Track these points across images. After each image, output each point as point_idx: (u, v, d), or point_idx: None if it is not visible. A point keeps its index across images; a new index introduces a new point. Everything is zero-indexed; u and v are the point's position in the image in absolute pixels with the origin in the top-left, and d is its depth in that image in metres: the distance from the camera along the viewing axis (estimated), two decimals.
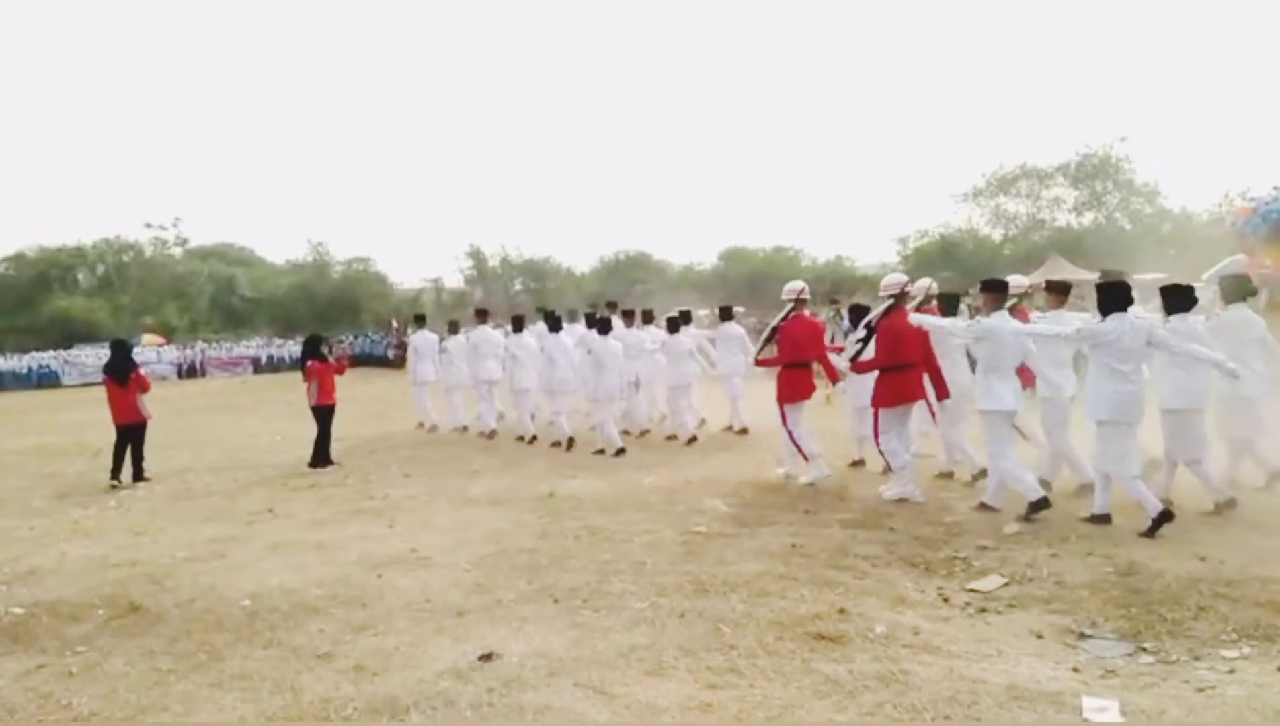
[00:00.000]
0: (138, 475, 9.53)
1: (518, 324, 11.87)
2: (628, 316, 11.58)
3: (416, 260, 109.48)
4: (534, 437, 11.00)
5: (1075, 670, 3.58)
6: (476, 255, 47.66)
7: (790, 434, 7.78)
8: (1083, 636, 3.98)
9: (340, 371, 10.45)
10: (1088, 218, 38.06)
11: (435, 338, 13.53)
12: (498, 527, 6.49)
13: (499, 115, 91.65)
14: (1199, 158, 55.65)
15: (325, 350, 10.36)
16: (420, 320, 14.67)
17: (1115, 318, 5.80)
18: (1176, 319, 6.36)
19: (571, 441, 10.29)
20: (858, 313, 8.21)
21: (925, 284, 8.01)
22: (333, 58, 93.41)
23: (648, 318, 11.92)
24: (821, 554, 5.42)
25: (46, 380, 36.15)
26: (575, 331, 11.60)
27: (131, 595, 5.14)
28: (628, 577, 5.05)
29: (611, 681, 3.60)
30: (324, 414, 10.05)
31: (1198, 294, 6.78)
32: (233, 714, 3.46)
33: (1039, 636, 3.99)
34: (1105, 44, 70.31)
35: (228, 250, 53.85)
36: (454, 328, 13.43)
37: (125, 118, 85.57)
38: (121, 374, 9.58)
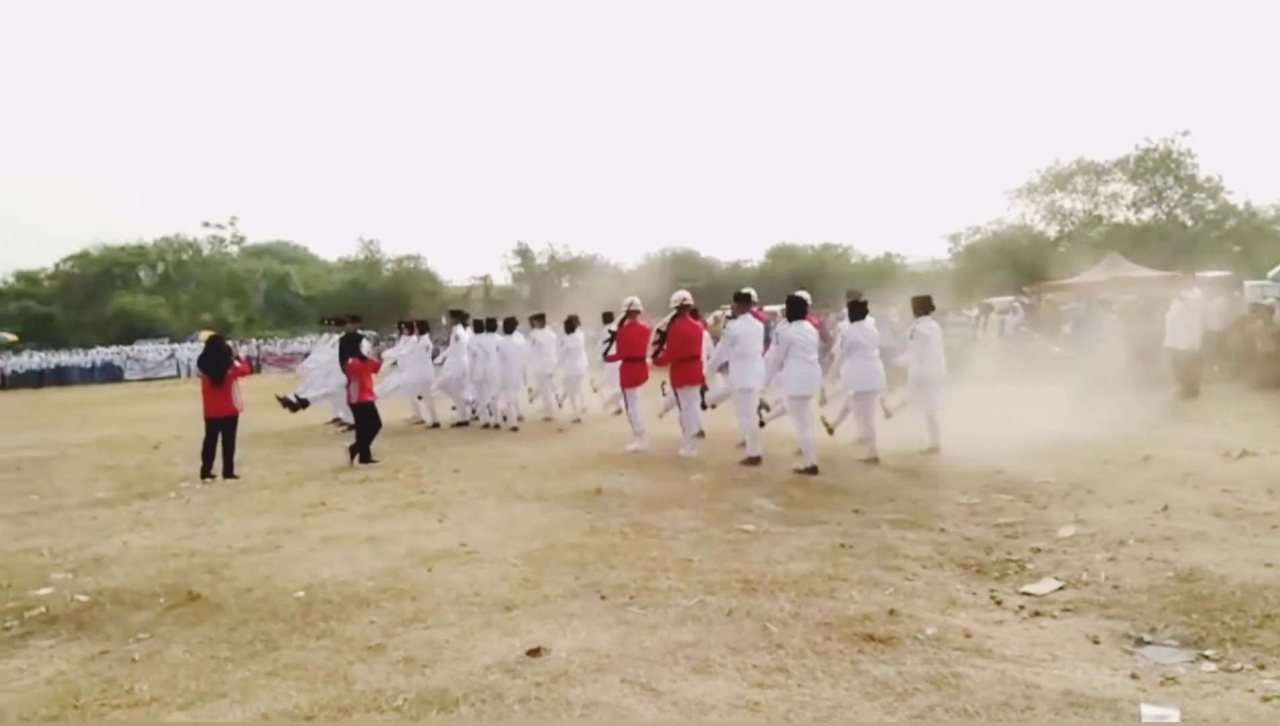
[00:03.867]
0: (228, 471, 9.47)
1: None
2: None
3: (465, 258, 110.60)
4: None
5: (1134, 677, 3.49)
6: (524, 253, 48.01)
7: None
8: (1141, 642, 3.88)
9: (376, 368, 10.60)
10: (1147, 214, 37.15)
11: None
12: (545, 523, 6.53)
13: (548, 113, 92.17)
14: (1265, 152, 53.97)
15: (364, 347, 10.48)
16: (457, 316, 14.70)
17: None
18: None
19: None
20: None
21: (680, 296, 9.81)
22: (386, 59, 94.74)
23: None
24: (870, 554, 5.36)
25: (110, 375, 37.26)
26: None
27: (190, 584, 5.27)
28: (674, 575, 5.05)
29: (658, 678, 3.60)
30: (365, 411, 10.13)
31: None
32: (288, 702, 3.53)
33: (1095, 642, 3.90)
34: (1166, 35, 68.47)
35: (282, 248, 54.97)
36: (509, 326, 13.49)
37: (185, 119, 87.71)
38: (217, 370, 9.57)
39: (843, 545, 5.56)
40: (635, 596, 4.70)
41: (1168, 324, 13.58)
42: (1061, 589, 4.64)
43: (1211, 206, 36.13)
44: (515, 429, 12.41)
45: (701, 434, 9.65)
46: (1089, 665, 3.62)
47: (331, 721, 3.35)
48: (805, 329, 8.54)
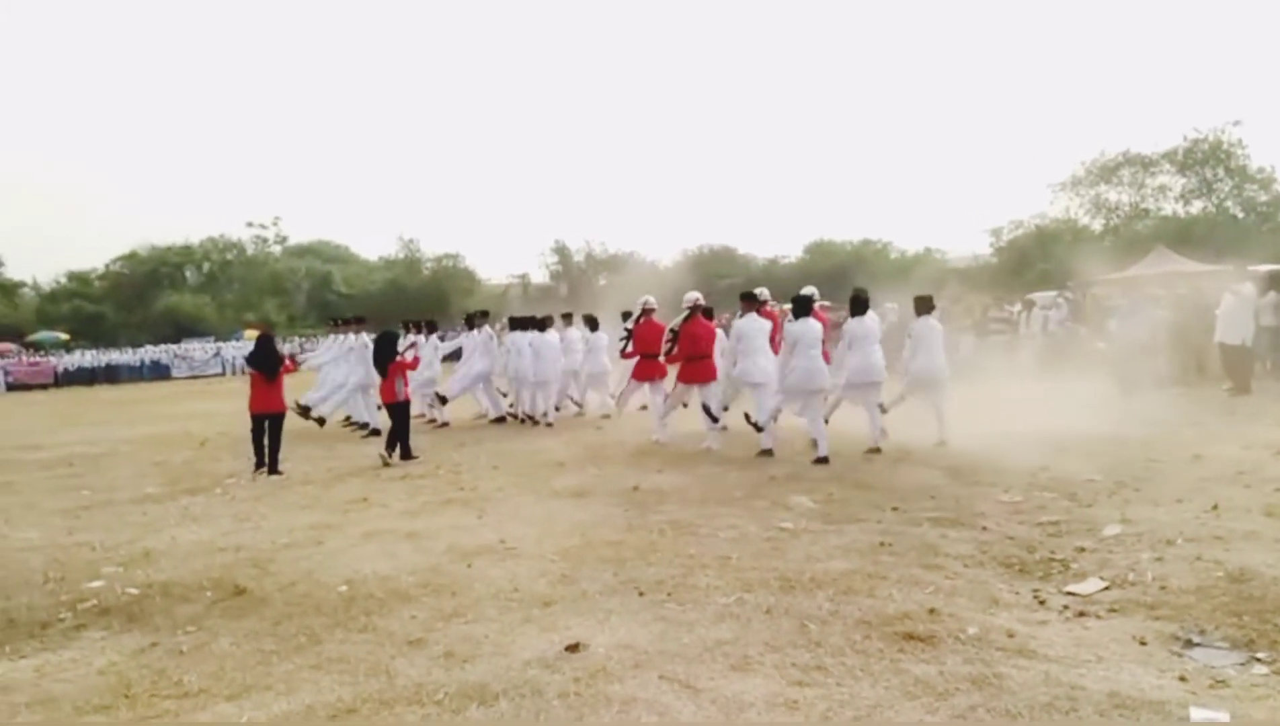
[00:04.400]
0: (273, 468, 9.59)
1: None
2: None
3: (504, 256, 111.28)
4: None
5: (1182, 679, 3.42)
6: (562, 251, 48.19)
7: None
8: (1190, 644, 3.79)
9: (414, 367, 10.71)
10: (1196, 206, 36.29)
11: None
12: (583, 520, 6.55)
13: (587, 111, 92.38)
14: None
15: (402, 347, 10.59)
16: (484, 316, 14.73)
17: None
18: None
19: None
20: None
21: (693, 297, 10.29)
22: (427, 60, 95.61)
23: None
24: (910, 552, 5.31)
25: (157, 372, 38.03)
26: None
27: (236, 578, 5.37)
28: (713, 572, 5.04)
29: (697, 675, 3.60)
30: (402, 410, 10.17)
31: None
32: (331, 695, 3.58)
33: (1142, 643, 3.82)
34: (1218, 22, 66.84)
35: (324, 247, 55.73)
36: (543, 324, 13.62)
37: (230, 122, 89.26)
38: (270, 366, 9.70)
39: (882, 543, 5.51)
40: (673, 593, 4.70)
41: (1218, 319, 13.27)
42: (1107, 589, 4.55)
43: (1264, 198, 35.19)
44: (550, 424, 12.60)
45: (724, 428, 10.13)
46: (1136, 666, 3.55)
47: (374, 714, 3.39)
48: (810, 325, 8.78)
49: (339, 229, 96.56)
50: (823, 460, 8.45)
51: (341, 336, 13.89)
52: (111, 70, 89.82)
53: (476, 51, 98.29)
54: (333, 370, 13.70)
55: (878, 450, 8.89)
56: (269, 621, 4.58)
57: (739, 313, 10.14)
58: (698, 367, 9.92)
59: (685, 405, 10.96)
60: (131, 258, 50.81)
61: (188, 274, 52.42)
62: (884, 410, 9.44)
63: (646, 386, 11.13)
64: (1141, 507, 6.20)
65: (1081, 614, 4.22)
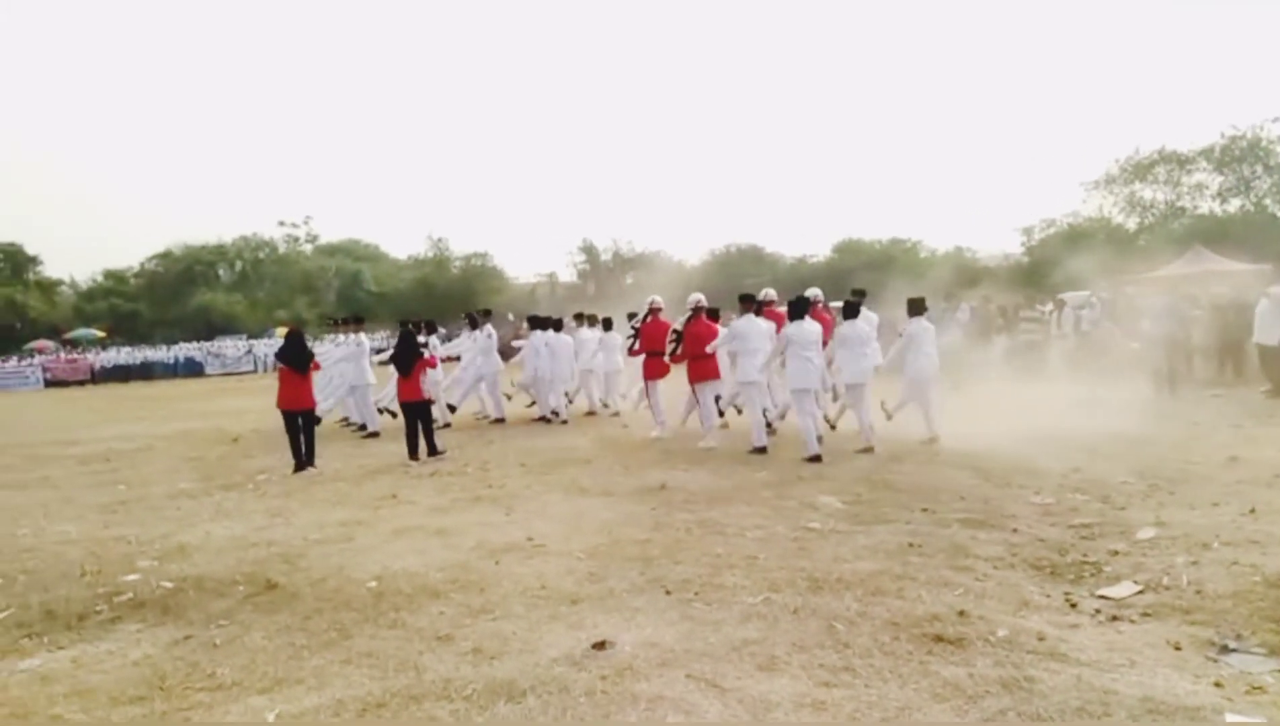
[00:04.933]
0: (309, 460, 9.68)
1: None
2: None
3: (532, 255, 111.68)
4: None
5: (1217, 685, 3.37)
6: (589, 249, 48.28)
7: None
8: (1226, 650, 3.73)
9: (434, 364, 10.75)
10: (1234, 205, 35.63)
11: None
12: (610, 518, 6.56)
13: (614, 110, 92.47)
14: None
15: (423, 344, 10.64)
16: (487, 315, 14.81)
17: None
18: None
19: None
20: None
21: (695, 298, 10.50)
22: (455, 61, 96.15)
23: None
24: (940, 554, 5.26)
25: (191, 369, 38.58)
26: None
27: (268, 573, 5.44)
28: (740, 572, 5.03)
29: (724, 674, 3.60)
30: (422, 408, 10.19)
31: None
32: (361, 689, 3.62)
33: (1177, 648, 3.76)
34: (1254, 18, 65.61)
35: (354, 246, 56.21)
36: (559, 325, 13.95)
37: (262, 120, 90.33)
38: (301, 362, 9.80)
39: (911, 544, 5.47)
40: (700, 592, 4.70)
41: (1256, 319, 13.04)
42: (1141, 592, 4.49)
43: None
44: (565, 422, 12.91)
45: (725, 426, 10.76)
46: (1170, 671, 3.50)
47: (402, 709, 3.42)
48: (805, 327, 9.06)
49: (369, 228, 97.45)
50: (815, 458, 8.63)
51: (340, 336, 13.94)
52: (148, 74, 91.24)
53: (506, 52, 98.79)
54: (331, 370, 13.72)
55: (870, 449, 9.01)
56: (300, 616, 4.63)
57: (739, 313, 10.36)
58: (702, 366, 10.22)
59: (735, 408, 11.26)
60: (166, 256, 51.62)
61: (221, 272, 53.15)
62: (888, 416, 9.76)
63: (658, 384, 11.29)
64: (1176, 510, 6.11)
65: (1114, 617, 4.16)
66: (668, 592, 4.72)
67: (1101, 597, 4.45)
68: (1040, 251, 37.38)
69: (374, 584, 5.10)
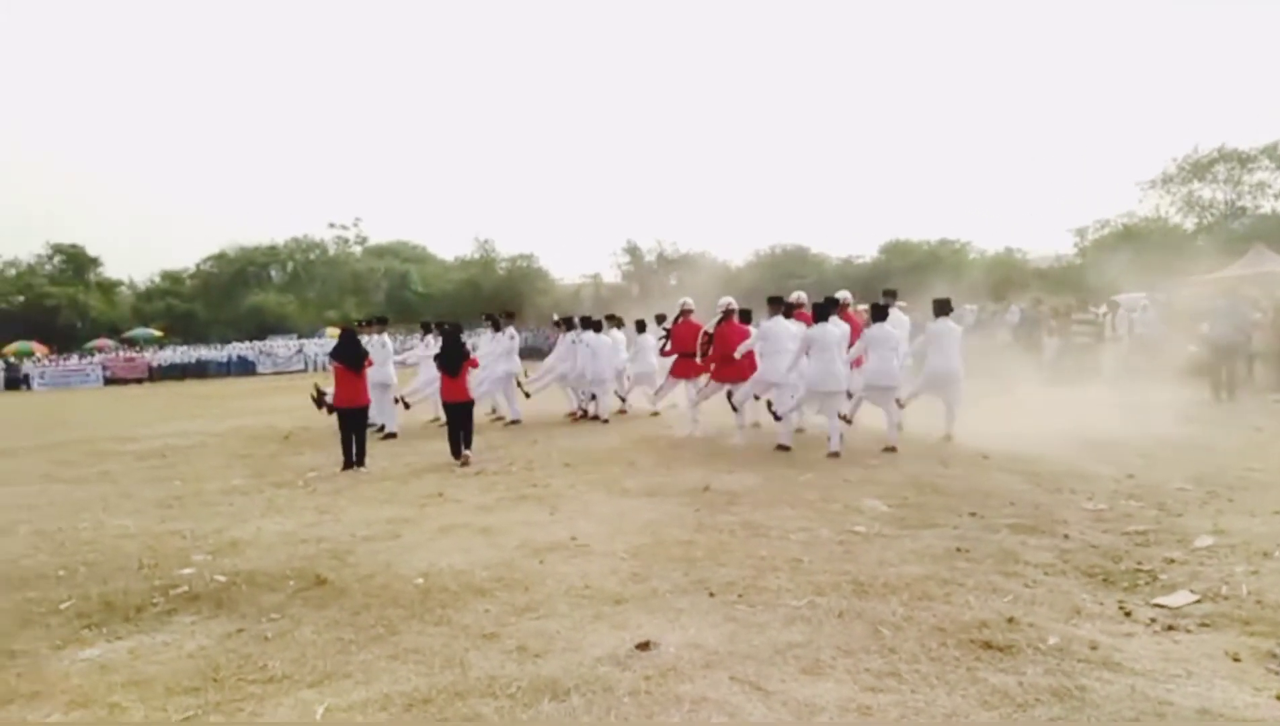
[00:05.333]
0: (360, 460, 9.80)
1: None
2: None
3: (577, 256, 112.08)
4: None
5: (1279, 697, 3.27)
6: (633, 251, 48.34)
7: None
8: None
9: (475, 365, 10.79)
10: None
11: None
12: (653, 519, 6.56)
13: (660, 111, 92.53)
14: None
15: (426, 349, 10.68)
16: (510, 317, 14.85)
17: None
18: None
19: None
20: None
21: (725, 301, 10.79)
22: (500, 63, 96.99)
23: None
24: (988, 559, 5.18)
25: (244, 368, 39.39)
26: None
27: (318, 569, 5.53)
28: (784, 574, 5.00)
29: (768, 677, 3.58)
30: (468, 410, 10.16)
31: None
32: (407, 684, 3.67)
33: (1235, 659, 3.66)
34: None
35: (402, 247, 56.88)
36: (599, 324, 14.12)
37: (313, 124, 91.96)
38: (355, 360, 9.92)
39: (959, 549, 5.39)
40: (744, 594, 4.68)
41: None
42: (1198, 602, 4.37)
43: None
44: (606, 422, 13.12)
45: (757, 424, 11.09)
46: (1228, 683, 3.41)
47: (448, 705, 3.46)
48: (827, 329, 9.34)
49: (417, 229, 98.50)
50: (834, 454, 8.99)
51: (364, 337, 13.97)
52: (206, 82, 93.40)
53: (553, 54, 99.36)
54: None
55: (893, 449, 9.17)
56: (348, 611, 4.71)
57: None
58: (731, 367, 10.47)
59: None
60: (220, 258, 52.77)
61: (273, 273, 54.18)
62: (901, 405, 9.75)
63: (683, 383, 11.72)
64: (1236, 518, 5.95)
65: (1170, 627, 4.06)
66: (711, 594, 4.71)
67: (1157, 606, 4.35)
68: (1094, 252, 36.64)
69: (420, 581, 5.17)
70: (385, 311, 48.15)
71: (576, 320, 14.23)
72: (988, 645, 3.83)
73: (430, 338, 14.02)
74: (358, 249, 55.30)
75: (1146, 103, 69.50)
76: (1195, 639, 3.91)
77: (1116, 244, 35.26)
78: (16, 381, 37.03)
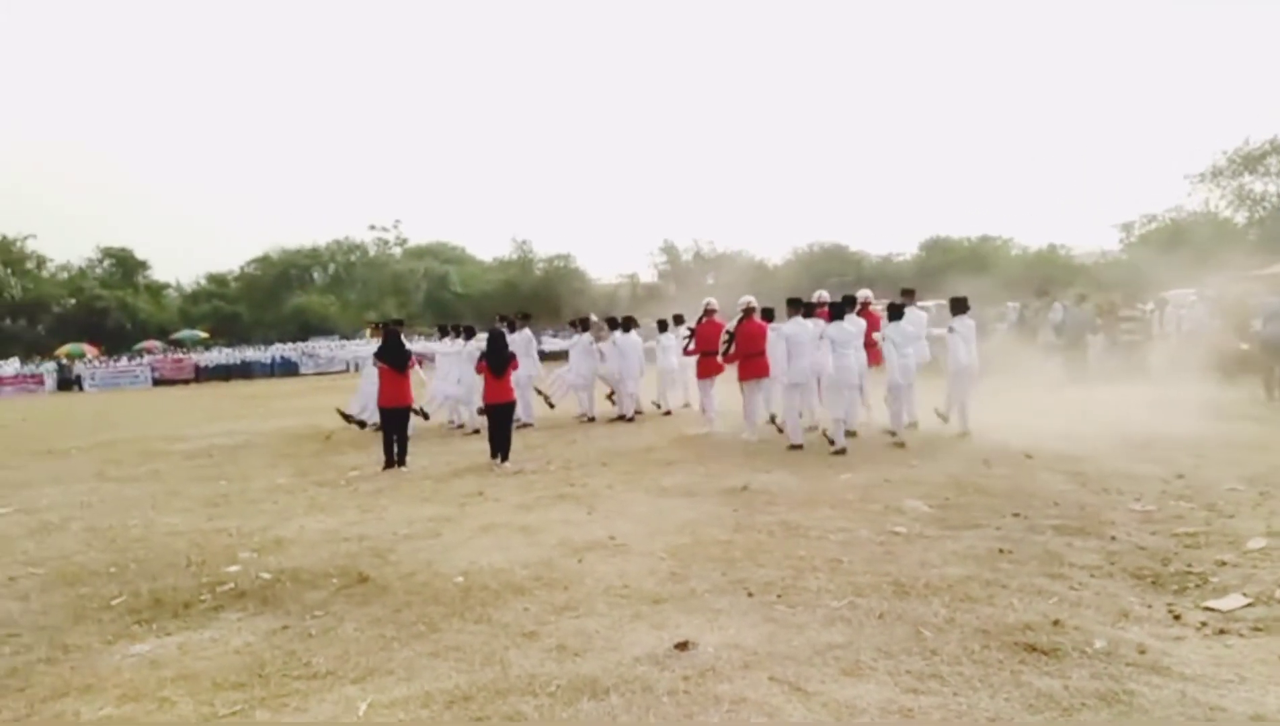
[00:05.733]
0: (401, 460, 9.88)
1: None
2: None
3: (614, 256, 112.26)
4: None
5: None
6: (670, 250, 48.30)
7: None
8: None
9: (515, 366, 10.79)
10: None
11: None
12: (692, 519, 6.56)
13: (696, 109, 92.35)
14: None
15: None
16: (525, 318, 15.03)
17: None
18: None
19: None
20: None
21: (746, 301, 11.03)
22: (536, 65, 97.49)
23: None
24: (1032, 560, 5.10)
25: (287, 369, 40.00)
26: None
27: (360, 567, 5.61)
28: (823, 575, 4.97)
29: (807, 678, 3.56)
30: (510, 412, 10.13)
31: None
32: (448, 682, 3.70)
33: None
34: None
35: (441, 249, 57.36)
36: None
37: (353, 128, 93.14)
38: (400, 360, 10.05)
39: (1002, 550, 5.32)
40: (783, 595, 4.66)
41: None
42: (1251, 605, 4.26)
43: None
44: (631, 419, 13.43)
45: (772, 420, 11.19)
46: None
47: (488, 703, 3.48)
48: (843, 327, 9.69)
49: (456, 231, 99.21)
50: (839, 451, 9.17)
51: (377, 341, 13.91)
52: (248, 89, 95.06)
53: (590, 54, 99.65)
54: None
55: (902, 444, 9.49)
56: (390, 609, 4.76)
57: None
58: (753, 365, 10.75)
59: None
60: (264, 260, 53.67)
61: (315, 275, 54.96)
62: (944, 419, 10.16)
63: (706, 383, 11.95)
64: None
65: (1222, 631, 3.97)
66: (750, 594, 4.69)
67: (1208, 609, 4.25)
68: (1140, 248, 35.93)
69: (461, 579, 5.21)
70: (425, 312, 48.72)
71: (595, 319, 14.41)
72: (1032, 648, 3.77)
73: (448, 340, 14.02)
74: (398, 250, 55.90)
75: (1195, 94, 68.03)
76: (1248, 643, 3.82)
77: (1164, 239, 34.57)
78: (69, 382, 38.00)
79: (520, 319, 14.33)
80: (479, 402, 12.90)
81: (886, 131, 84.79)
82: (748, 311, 10.89)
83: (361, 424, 13.57)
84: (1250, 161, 35.53)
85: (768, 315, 11.15)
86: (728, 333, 11.12)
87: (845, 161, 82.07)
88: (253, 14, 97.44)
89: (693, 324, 12.45)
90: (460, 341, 13.74)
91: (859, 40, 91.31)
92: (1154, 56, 74.07)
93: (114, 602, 5.15)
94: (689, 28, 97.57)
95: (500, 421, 9.87)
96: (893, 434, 9.90)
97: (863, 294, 11.10)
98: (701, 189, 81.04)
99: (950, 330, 10.23)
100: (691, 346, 12.19)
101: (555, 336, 33.54)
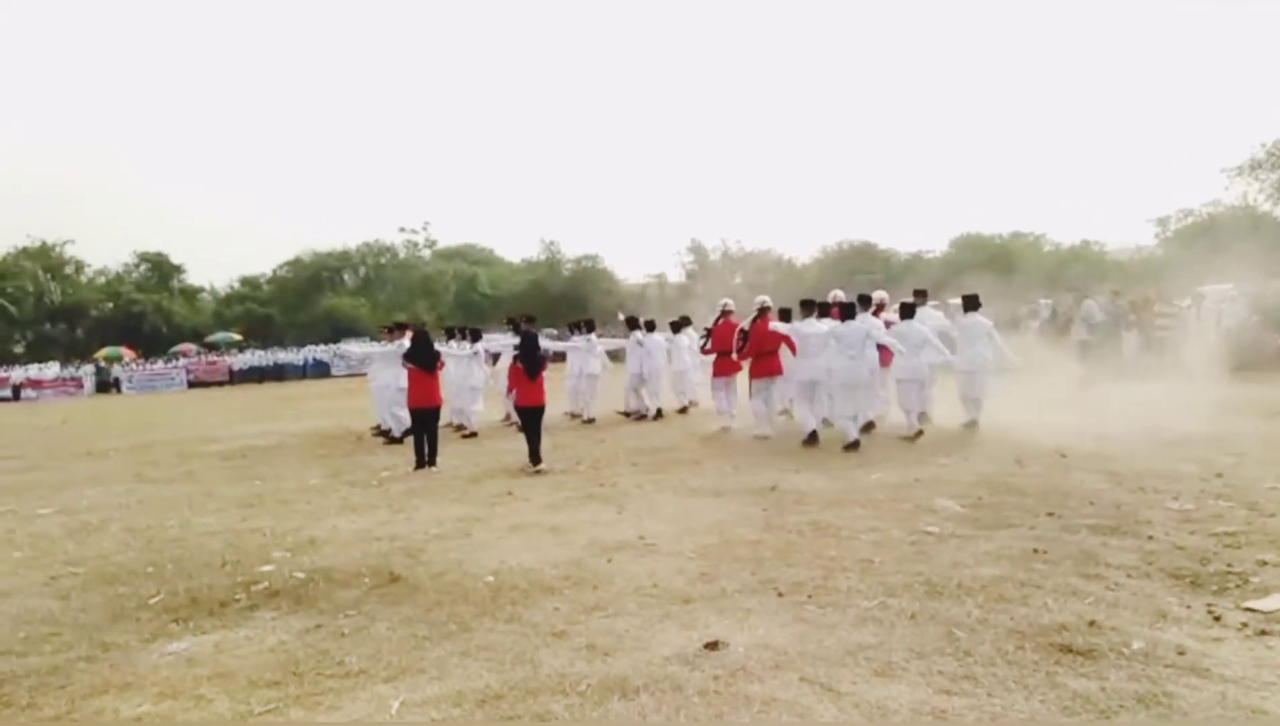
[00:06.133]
0: (432, 460, 9.91)
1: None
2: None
3: (642, 256, 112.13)
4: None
5: None
6: (698, 249, 48.20)
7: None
8: None
9: (544, 368, 10.73)
10: None
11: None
12: (721, 518, 6.54)
13: (724, 107, 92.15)
14: None
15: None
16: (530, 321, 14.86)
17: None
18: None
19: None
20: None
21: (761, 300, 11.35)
22: (564, 65, 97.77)
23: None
24: (1067, 560, 5.03)
25: (319, 370, 40.41)
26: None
27: (392, 566, 5.65)
28: (854, 575, 4.94)
29: (839, 679, 3.53)
30: (540, 414, 9.96)
31: None
32: (479, 681, 3.72)
33: None
34: None
35: (470, 250, 57.61)
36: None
37: (382, 131, 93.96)
38: (429, 361, 10.13)
39: (1036, 550, 5.25)
40: (813, 595, 4.63)
41: None
42: None
43: None
44: (655, 417, 13.70)
45: (786, 412, 11.82)
46: None
47: (519, 702, 3.49)
48: (852, 327, 9.91)
49: (484, 232, 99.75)
50: (853, 445, 9.48)
51: (388, 343, 13.67)
52: (275, 97, 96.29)
53: (617, 55, 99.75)
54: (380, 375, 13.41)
55: (913, 438, 9.83)
56: (421, 608, 4.79)
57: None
58: (766, 363, 11.02)
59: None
60: (295, 263, 54.20)
61: (345, 277, 55.42)
62: (929, 420, 10.43)
63: (721, 381, 12.25)
64: None
65: (1264, 632, 3.89)
66: (780, 594, 4.67)
67: (1249, 610, 4.16)
68: (1176, 243, 35.33)
69: (491, 578, 5.23)
70: (454, 313, 49.00)
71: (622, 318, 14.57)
72: (1068, 649, 3.72)
73: (453, 343, 14.07)
74: (427, 252, 56.21)
75: (1232, 86, 66.71)
76: None
77: (1201, 234, 33.93)
78: (107, 384, 38.64)
79: (525, 321, 14.19)
80: (481, 406, 13.62)
81: (916, 127, 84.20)
82: (762, 311, 11.12)
83: (395, 437, 13.25)
84: None
85: (784, 316, 11.31)
86: (742, 331, 11.33)
87: (875, 158, 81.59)
88: (285, 22, 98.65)
89: (709, 325, 12.70)
90: (467, 344, 13.89)
91: (889, 35, 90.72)
92: (1189, 48, 72.90)
93: (151, 601, 5.23)
94: (717, 25, 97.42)
95: (533, 423, 9.75)
96: (920, 430, 10.01)
97: (878, 295, 11.29)
98: (729, 188, 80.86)
99: (960, 330, 10.64)
100: (709, 346, 12.47)
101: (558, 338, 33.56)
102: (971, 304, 10.72)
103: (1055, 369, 14.38)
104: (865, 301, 10.49)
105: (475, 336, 14.19)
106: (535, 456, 9.51)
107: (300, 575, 5.59)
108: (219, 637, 4.55)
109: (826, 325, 10.25)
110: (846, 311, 10.03)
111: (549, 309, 43.32)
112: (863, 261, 42.95)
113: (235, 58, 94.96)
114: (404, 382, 12.37)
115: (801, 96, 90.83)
